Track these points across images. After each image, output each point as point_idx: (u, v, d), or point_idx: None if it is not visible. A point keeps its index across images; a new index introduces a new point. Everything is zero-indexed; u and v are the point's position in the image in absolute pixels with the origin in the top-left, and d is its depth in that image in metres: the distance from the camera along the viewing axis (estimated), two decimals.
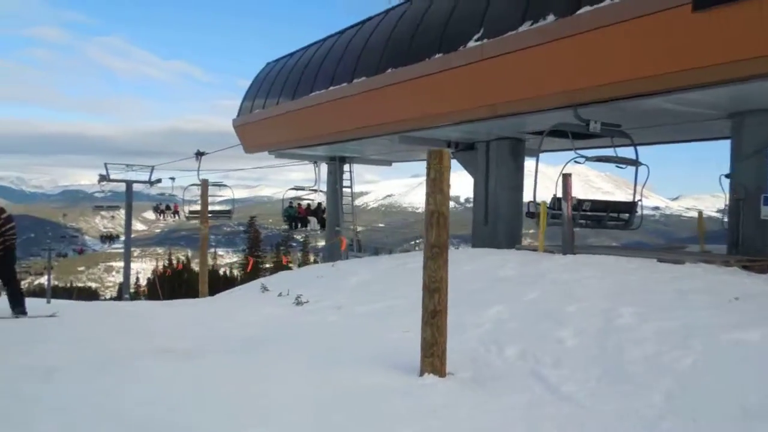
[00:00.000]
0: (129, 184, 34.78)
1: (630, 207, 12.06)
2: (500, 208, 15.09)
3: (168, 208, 32.21)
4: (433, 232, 4.77)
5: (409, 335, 6.09)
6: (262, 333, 6.87)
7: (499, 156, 15.14)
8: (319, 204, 22.84)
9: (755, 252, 9.84)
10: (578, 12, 9.61)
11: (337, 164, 21.05)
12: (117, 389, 4.35)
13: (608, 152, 12.37)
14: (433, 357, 4.79)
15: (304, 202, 23.20)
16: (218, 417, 3.86)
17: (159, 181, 35.50)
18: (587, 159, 11.49)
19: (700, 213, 12.79)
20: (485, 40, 11.34)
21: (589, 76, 9.92)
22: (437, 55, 12.45)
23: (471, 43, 11.66)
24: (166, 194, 32.66)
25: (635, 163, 11.85)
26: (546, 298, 6.28)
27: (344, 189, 21.32)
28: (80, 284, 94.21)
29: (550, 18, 10.11)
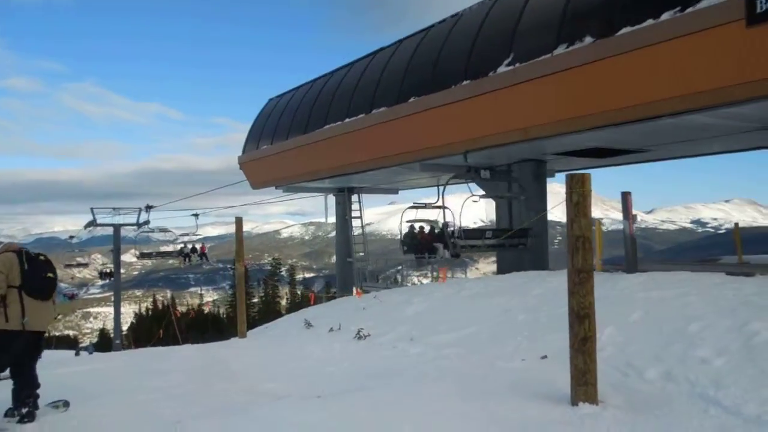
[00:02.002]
0: (117, 228, 33.87)
1: (524, 232, 15.29)
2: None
3: (194, 250, 30.76)
4: (579, 257, 4.68)
5: (526, 363, 5.96)
6: (353, 370, 6.63)
7: (522, 178, 15.22)
8: (446, 225, 16.80)
9: None
10: (618, 33, 9.77)
11: (345, 195, 20.89)
12: None
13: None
14: (586, 385, 4.66)
15: (427, 226, 18.06)
16: None
17: (147, 222, 34.79)
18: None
19: (737, 225, 12.93)
20: (517, 65, 11.45)
21: (629, 96, 10.05)
22: (465, 82, 12.53)
23: (501, 68, 11.76)
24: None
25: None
26: (655, 319, 6.19)
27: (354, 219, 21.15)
28: (58, 333, 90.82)
29: (588, 40, 10.27)
